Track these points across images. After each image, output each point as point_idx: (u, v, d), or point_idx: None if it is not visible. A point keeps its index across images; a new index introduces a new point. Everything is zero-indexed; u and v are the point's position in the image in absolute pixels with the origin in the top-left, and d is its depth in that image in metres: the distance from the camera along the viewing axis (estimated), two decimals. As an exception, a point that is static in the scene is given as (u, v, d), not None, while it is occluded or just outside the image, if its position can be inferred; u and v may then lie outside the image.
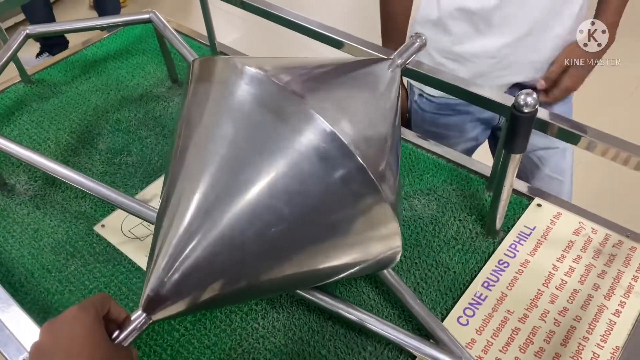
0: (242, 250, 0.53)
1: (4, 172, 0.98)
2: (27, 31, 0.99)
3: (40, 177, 0.97)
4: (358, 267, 0.62)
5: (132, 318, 0.53)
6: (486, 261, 0.79)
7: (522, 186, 0.90)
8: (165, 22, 1.03)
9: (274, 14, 1.02)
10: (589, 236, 0.81)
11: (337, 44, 0.96)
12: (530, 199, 0.87)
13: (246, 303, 0.76)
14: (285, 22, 1.01)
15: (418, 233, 0.84)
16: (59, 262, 0.84)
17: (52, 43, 2.63)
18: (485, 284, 0.76)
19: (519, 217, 0.85)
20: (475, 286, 0.76)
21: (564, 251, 0.80)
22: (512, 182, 0.75)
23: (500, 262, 0.79)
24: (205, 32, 1.19)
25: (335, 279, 0.64)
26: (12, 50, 0.97)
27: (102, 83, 1.18)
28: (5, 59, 0.95)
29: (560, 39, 1.05)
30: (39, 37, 2.66)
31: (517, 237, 0.82)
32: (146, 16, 1.04)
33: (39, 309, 0.78)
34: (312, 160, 0.52)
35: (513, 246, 0.81)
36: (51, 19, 2.56)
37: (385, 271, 0.74)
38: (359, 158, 0.52)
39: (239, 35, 3.17)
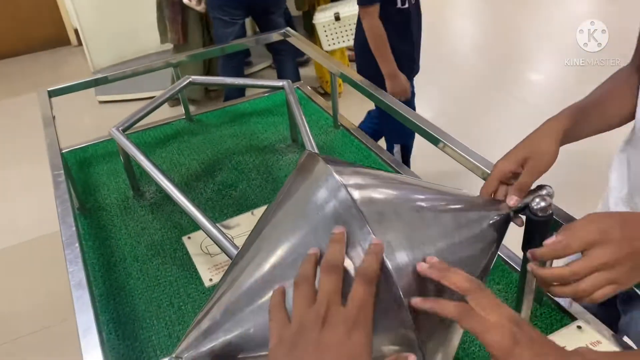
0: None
1: (142, 180, 1.24)
2: (190, 79, 1.26)
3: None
4: None
5: None
6: (497, 363, 0.77)
7: (567, 304, 0.86)
8: (293, 91, 1.23)
9: (385, 103, 1.13)
10: (621, 373, 0.75)
11: (435, 141, 1.03)
12: (573, 319, 0.83)
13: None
14: (392, 111, 1.12)
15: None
16: (147, 256, 1.03)
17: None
18: (486, 384, 0.75)
19: (553, 332, 0.81)
20: (475, 382, 0.75)
21: (586, 379, 0.74)
22: (533, 286, 0.74)
23: (511, 369, 0.77)
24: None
25: None
26: (175, 89, 1.24)
27: (240, 131, 1.41)
28: (168, 95, 1.22)
29: None
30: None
31: (540, 350, 0.79)
32: (280, 84, 1.24)
33: (117, 286, 0.97)
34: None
35: None
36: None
37: None
38: (400, 291, 0.51)
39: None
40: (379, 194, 0.60)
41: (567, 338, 0.80)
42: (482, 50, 4.18)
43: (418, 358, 0.51)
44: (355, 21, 3.02)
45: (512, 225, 0.70)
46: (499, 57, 3.91)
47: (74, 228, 0.83)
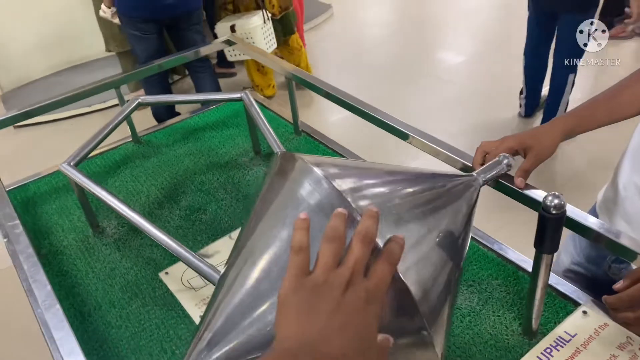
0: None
1: (99, 215, 1.14)
2: (140, 100, 1.17)
3: (127, 224, 1.11)
4: None
5: None
6: (516, 361, 0.77)
7: (570, 290, 0.87)
8: (253, 101, 1.17)
9: (349, 104, 1.11)
10: (635, 353, 0.76)
11: (403, 136, 1.02)
12: (577, 305, 0.84)
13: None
14: (358, 111, 1.10)
15: (452, 323, 0.84)
16: (123, 299, 0.95)
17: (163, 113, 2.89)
18: (511, 385, 0.74)
19: (561, 321, 0.82)
20: (499, 385, 0.74)
21: (603, 364, 0.75)
22: (546, 282, 0.74)
23: (531, 365, 0.77)
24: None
25: None
26: (124, 114, 1.15)
27: (196, 148, 1.33)
28: (117, 121, 1.13)
29: None
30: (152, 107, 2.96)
31: (554, 341, 0.79)
32: (238, 95, 1.18)
33: (97, 339, 0.88)
34: None
35: (548, 350, 0.78)
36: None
37: None
38: (401, 276, 0.54)
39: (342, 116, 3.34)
40: (358, 180, 0.62)
41: (575, 324, 0.81)
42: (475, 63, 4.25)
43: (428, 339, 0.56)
44: (250, 36, 2.99)
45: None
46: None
47: (49, 287, 0.74)
